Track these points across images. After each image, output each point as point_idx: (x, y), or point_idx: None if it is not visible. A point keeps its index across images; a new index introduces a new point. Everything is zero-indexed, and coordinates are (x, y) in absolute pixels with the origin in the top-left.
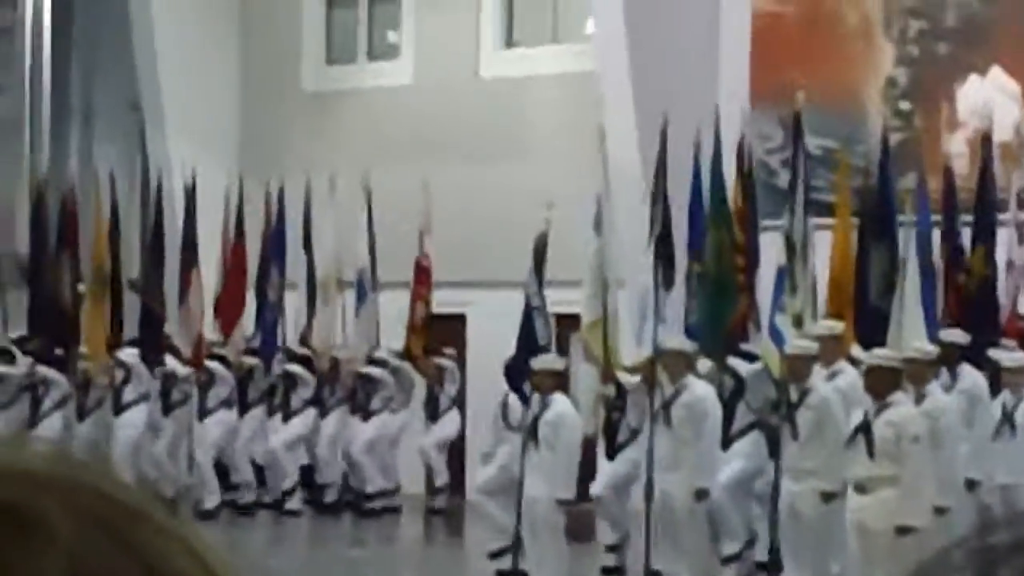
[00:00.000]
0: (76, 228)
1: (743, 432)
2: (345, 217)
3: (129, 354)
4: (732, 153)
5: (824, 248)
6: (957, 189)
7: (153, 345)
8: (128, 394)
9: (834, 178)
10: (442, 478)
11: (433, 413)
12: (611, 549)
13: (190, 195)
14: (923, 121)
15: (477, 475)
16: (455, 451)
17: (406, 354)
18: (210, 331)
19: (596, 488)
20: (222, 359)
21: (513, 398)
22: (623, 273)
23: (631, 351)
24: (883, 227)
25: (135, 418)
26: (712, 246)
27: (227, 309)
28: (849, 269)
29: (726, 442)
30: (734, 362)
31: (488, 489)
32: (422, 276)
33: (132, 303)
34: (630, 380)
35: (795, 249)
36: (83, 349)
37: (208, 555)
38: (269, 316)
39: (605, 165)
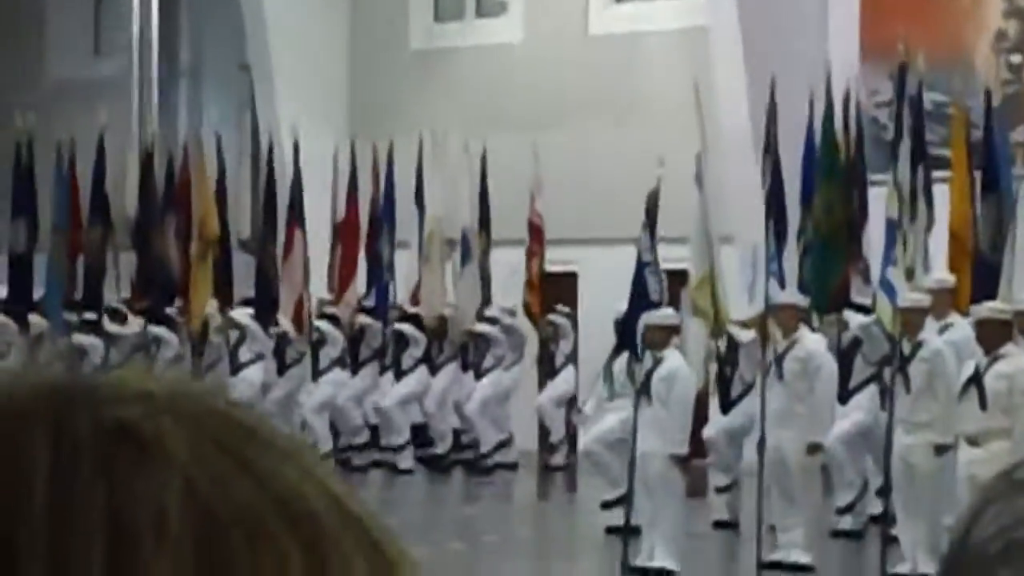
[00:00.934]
0: (187, 189)
1: (861, 386)
2: (455, 176)
3: (243, 314)
4: (840, 108)
5: (942, 201)
6: None
7: (267, 305)
8: (244, 354)
9: (946, 132)
10: (559, 435)
11: (548, 370)
12: (721, 491)
13: (296, 154)
14: None
15: (592, 427)
16: (569, 408)
17: (526, 311)
18: (322, 291)
19: (708, 431)
20: (333, 319)
21: (619, 361)
22: (732, 229)
23: (743, 306)
24: (992, 180)
25: (251, 377)
26: (822, 200)
27: (340, 269)
28: (966, 223)
29: (844, 396)
30: (848, 315)
31: (606, 440)
32: (535, 234)
33: (242, 264)
34: (742, 334)
35: (904, 202)
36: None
37: (322, 472)
38: (381, 276)
39: (702, 121)
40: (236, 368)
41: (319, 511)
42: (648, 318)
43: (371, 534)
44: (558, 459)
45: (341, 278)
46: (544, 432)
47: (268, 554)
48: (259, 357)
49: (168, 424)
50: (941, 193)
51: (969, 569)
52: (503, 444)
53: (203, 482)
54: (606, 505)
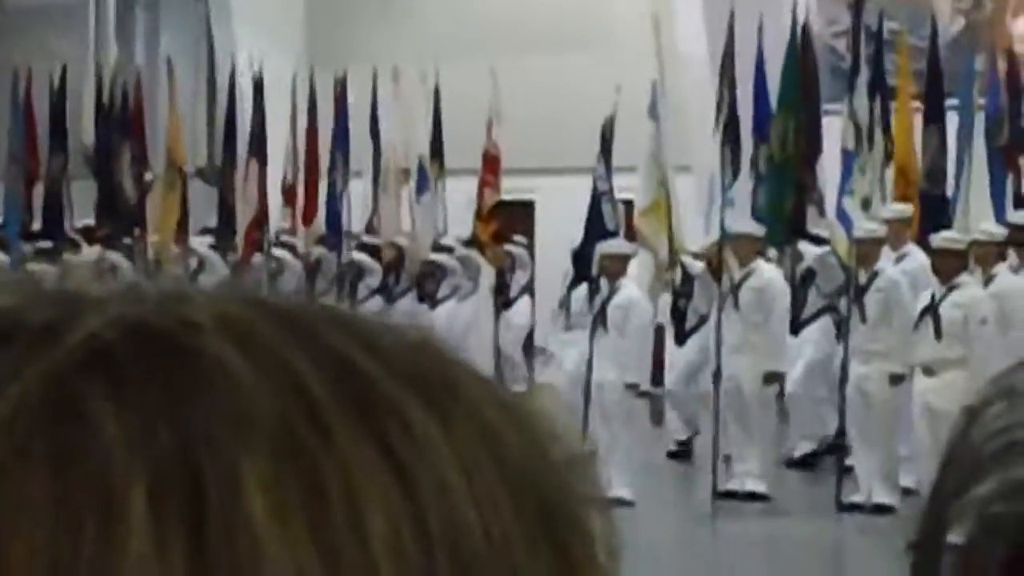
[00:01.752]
0: (142, 117)
1: (814, 316)
2: (411, 106)
3: (201, 242)
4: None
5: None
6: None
7: (227, 234)
8: (202, 282)
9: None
10: (517, 364)
11: (505, 300)
12: (681, 443)
13: (257, 85)
14: (991, 3)
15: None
16: (527, 338)
17: (474, 242)
18: (280, 220)
19: (668, 382)
20: (291, 248)
21: (577, 291)
22: (689, 159)
23: (699, 236)
24: (935, 110)
25: None
26: (777, 130)
27: (304, 200)
28: (911, 152)
29: (796, 327)
30: (803, 246)
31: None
32: (491, 164)
33: (196, 192)
34: (695, 265)
35: (860, 131)
36: (152, 237)
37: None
38: (335, 205)
39: (660, 50)
40: None
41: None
42: (603, 247)
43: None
44: (514, 388)
45: (305, 208)
46: (500, 362)
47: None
48: None
49: (284, 338)
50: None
51: (969, 467)
52: None
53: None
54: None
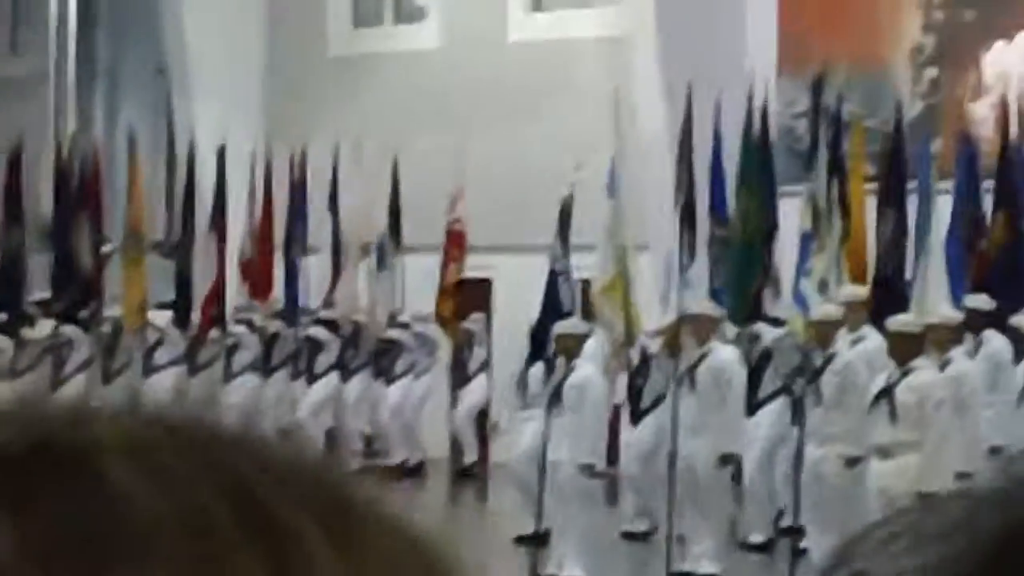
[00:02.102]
0: (100, 189)
1: (769, 398)
2: (371, 181)
3: (161, 316)
4: (757, 117)
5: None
6: (983, 155)
7: (184, 308)
8: (160, 357)
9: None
10: (470, 443)
11: (461, 378)
12: (637, 517)
13: (220, 158)
14: (950, 87)
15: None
16: (481, 416)
17: (437, 317)
18: (238, 295)
19: (623, 464)
20: (248, 323)
21: (534, 370)
22: (647, 237)
23: (657, 315)
24: (894, 193)
25: (166, 381)
26: (738, 210)
27: (258, 273)
28: (864, 235)
29: (752, 408)
30: (760, 327)
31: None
32: (455, 239)
33: (153, 266)
34: (652, 345)
35: (819, 213)
36: (114, 312)
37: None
38: (293, 280)
39: (619, 129)
40: (150, 371)
41: None
42: (559, 327)
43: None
44: (467, 466)
45: (259, 283)
46: (456, 439)
47: None
48: (175, 361)
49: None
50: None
51: None
52: (414, 451)
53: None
54: (520, 539)
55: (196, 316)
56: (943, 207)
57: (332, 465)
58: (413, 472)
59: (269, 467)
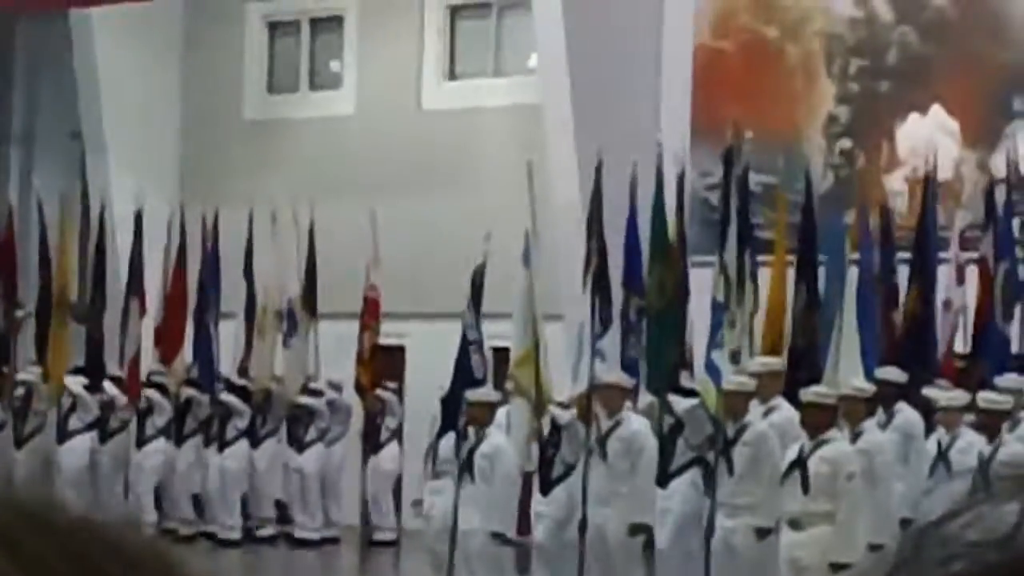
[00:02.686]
0: (13, 254)
1: (682, 469)
2: (285, 247)
3: (75, 382)
4: (671, 188)
5: (762, 285)
6: (897, 227)
7: (96, 373)
8: (74, 422)
9: (773, 215)
10: (384, 511)
11: (374, 445)
12: None
13: (137, 223)
14: (864, 159)
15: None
16: (395, 484)
17: (356, 386)
18: (152, 360)
19: (536, 535)
20: (161, 387)
21: (446, 438)
22: (560, 308)
23: (568, 385)
24: (807, 264)
25: (80, 446)
26: (654, 281)
27: (168, 338)
28: (784, 306)
29: (664, 479)
30: (672, 398)
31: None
32: (371, 307)
33: (76, 330)
34: (563, 415)
35: (731, 284)
36: (27, 376)
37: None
38: (205, 346)
39: (532, 201)
40: (64, 436)
41: None
42: (471, 395)
43: None
44: (381, 535)
45: (169, 347)
46: (366, 507)
47: None
48: (89, 426)
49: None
50: (763, 276)
51: None
52: (327, 518)
53: None
54: None
55: (108, 382)
56: (855, 279)
57: (166, 547)
58: (327, 541)
59: (118, 552)
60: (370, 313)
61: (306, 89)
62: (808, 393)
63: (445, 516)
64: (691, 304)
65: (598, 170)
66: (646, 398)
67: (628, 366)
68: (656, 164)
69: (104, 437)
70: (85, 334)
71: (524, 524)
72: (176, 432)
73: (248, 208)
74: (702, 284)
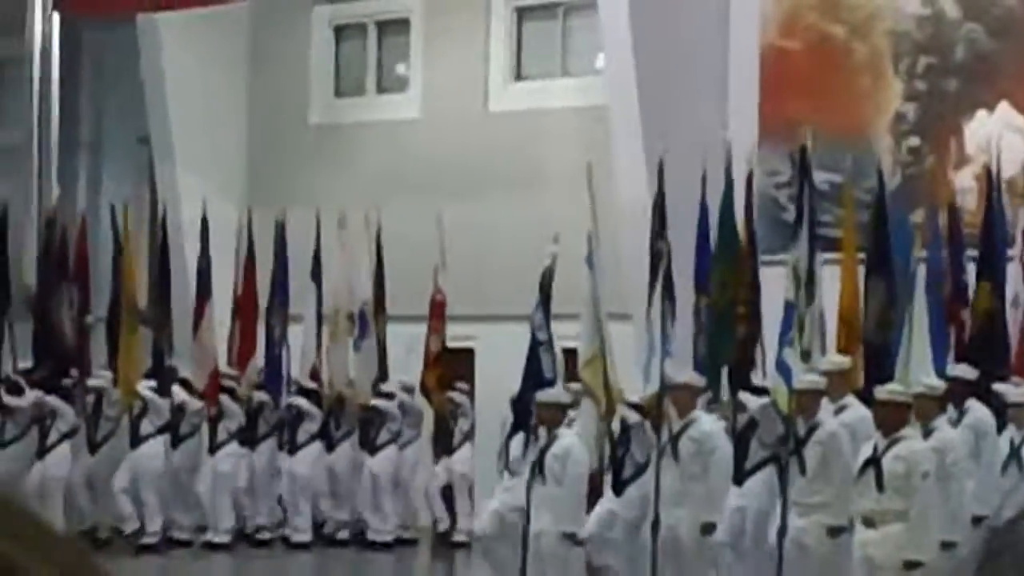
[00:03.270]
0: (85, 259)
1: (756, 467)
2: (354, 250)
3: (145, 386)
4: (739, 188)
5: (832, 283)
6: (965, 224)
7: (163, 378)
8: (146, 426)
9: (841, 212)
10: (458, 513)
11: (446, 448)
12: None
13: (204, 228)
14: (931, 156)
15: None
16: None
17: (422, 388)
18: (223, 364)
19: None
20: (231, 392)
21: (516, 440)
22: (630, 308)
23: (639, 386)
24: (881, 262)
25: (154, 450)
26: (717, 280)
27: (239, 343)
28: (856, 304)
29: (740, 478)
30: (744, 397)
31: (494, 529)
32: (437, 309)
33: (147, 336)
34: (632, 415)
35: (801, 283)
36: (98, 382)
37: None
38: (274, 350)
39: (594, 202)
40: (137, 441)
41: None
42: (541, 396)
43: None
44: (455, 537)
45: (241, 352)
46: (441, 510)
47: None
48: (160, 430)
49: None
50: (831, 274)
51: None
52: (401, 521)
53: None
54: None
55: (177, 386)
56: (923, 277)
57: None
58: (401, 543)
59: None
60: (436, 316)
61: (373, 93)
62: (882, 391)
63: (516, 517)
64: (760, 303)
65: (660, 170)
66: (717, 398)
67: (699, 366)
68: (724, 164)
69: (176, 441)
70: (152, 339)
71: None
72: (250, 436)
73: (315, 212)
74: (769, 283)
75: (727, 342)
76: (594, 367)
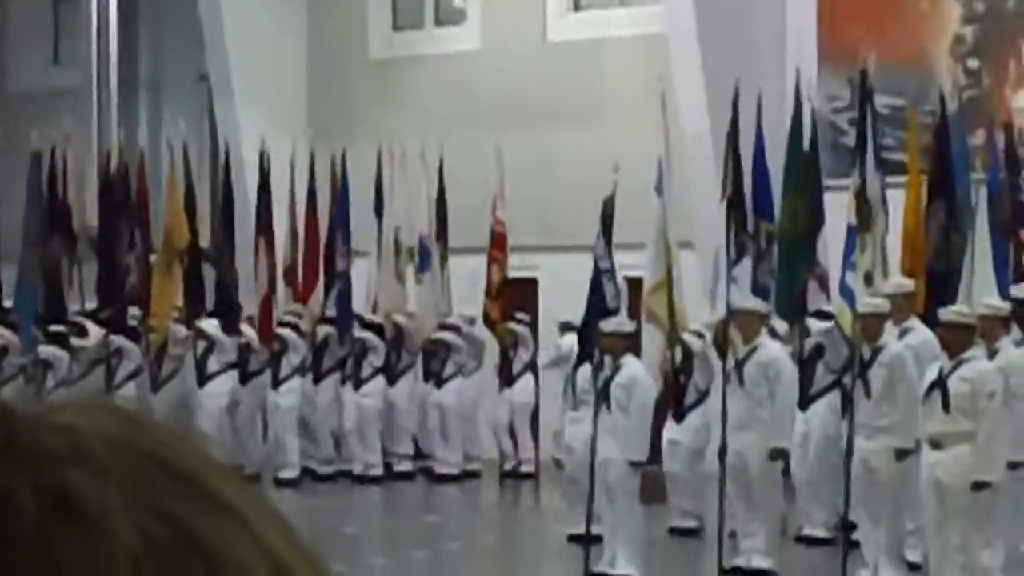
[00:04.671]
0: (146, 199)
1: (822, 392)
2: (414, 184)
3: (210, 324)
4: (801, 114)
5: (894, 206)
6: (1021, 145)
7: (228, 315)
8: (212, 364)
9: (902, 136)
10: (522, 443)
11: (508, 378)
12: (685, 516)
13: (263, 164)
14: (991, 78)
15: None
16: (533, 416)
17: (485, 319)
18: (286, 300)
19: (667, 464)
20: (294, 327)
21: (582, 369)
22: (691, 236)
23: (704, 313)
24: (943, 185)
25: (221, 388)
26: (786, 207)
27: (302, 277)
28: (919, 227)
29: (804, 403)
30: (808, 322)
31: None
32: (498, 241)
33: (209, 274)
34: (696, 342)
35: (863, 207)
36: (152, 320)
37: (265, 526)
38: (338, 284)
39: (666, 129)
40: (204, 379)
41: None
42: (605, 325)
43: None
44: (520, 467)
45: (304, 286)
46: (507, 439)
47: None
48: (227, 367)
49: (113, 497)
50: (895, 198)
51: None
52: (466, 452)
53: (151, 568)
54: (572, 538)
55: (245, 324)
56: (985, 199)
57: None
58: (467, 475)
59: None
60: (497, 247)
61: (431, 26)
62: (947, 313)
63: (584, 446)
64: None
65: (735, 96)
66: (782, 323)
67: (762, 292)
68: (787, 90)
69: (244, 379)
70: (216, 277)
71: (658, 452)
72: (314, 371)
73: (376, 146)
74: (830, 208)
75: (797, 270)
76: (660, 294)
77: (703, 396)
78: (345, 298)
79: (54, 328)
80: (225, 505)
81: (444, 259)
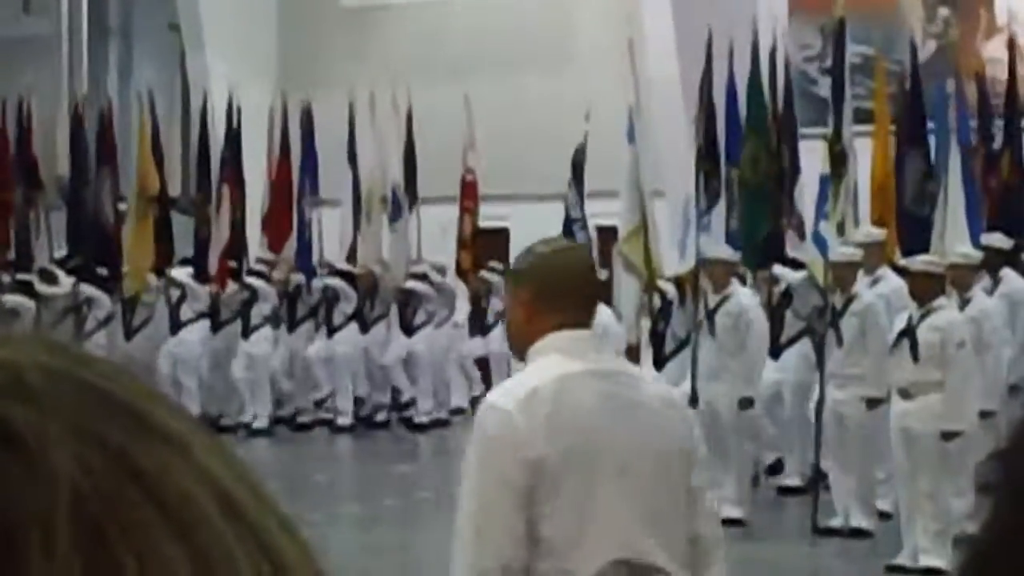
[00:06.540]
0: (114, 147)
1: (792, 341)
2: (386, 132)
3: (183, 273)
4: (768, 62)
5: (864, 155)
6: (995, 95)
7: (204, 264)
8: (185, 312)
9: (870, 85)
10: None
11: (480, 327)
12: None
13: (231, 111)
14: (961, 27)
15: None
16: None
17: (457, 269)
18: (260, 248)
19: None
20: (265, 276)
21: None
22: (662, 184)
23: (674, 261)
24: (915, 133)
25: (194, 336)
26: (749, 155)
27: (274, 226)
28: (889, 176)
29: (775, 351)
30: (780, 270)
31: None
32: (469, 190)
33: (179, 222)
34: (671, 290)
35: (835, 155)
36: (125, 268)
37: (214, 462)
38: (304, 233)
39: (636, 77)
40: (177, 327)
41: (210, 516)
42: None
43: (264, 537)
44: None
45: (276, 235)
46: (484, 388)
47: (156, 570)
48: (200, 316)
49: (54, 430)
50: (864, 147)
51: None
52: (436, 401)
53: (92, 498)
54: None
55: (211, 269)
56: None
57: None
58: (438, 423)
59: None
60: (468, 196)
61: None
62: (916, 262)
63: None
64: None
65: (709, 42)
66: (753, 272)
67: (732, 240)
68: (752, 38)
69: (216, 327)
70: (194, 226)
71: None
72: (288, 319)
73: (347, 95)
74: (802, 157)
75: (761, 217)
76: (635, 241)
77: (683, 344)
78: (309, 246)
79: (20, 276)
80: (165, 435)
81: (412, 208)
